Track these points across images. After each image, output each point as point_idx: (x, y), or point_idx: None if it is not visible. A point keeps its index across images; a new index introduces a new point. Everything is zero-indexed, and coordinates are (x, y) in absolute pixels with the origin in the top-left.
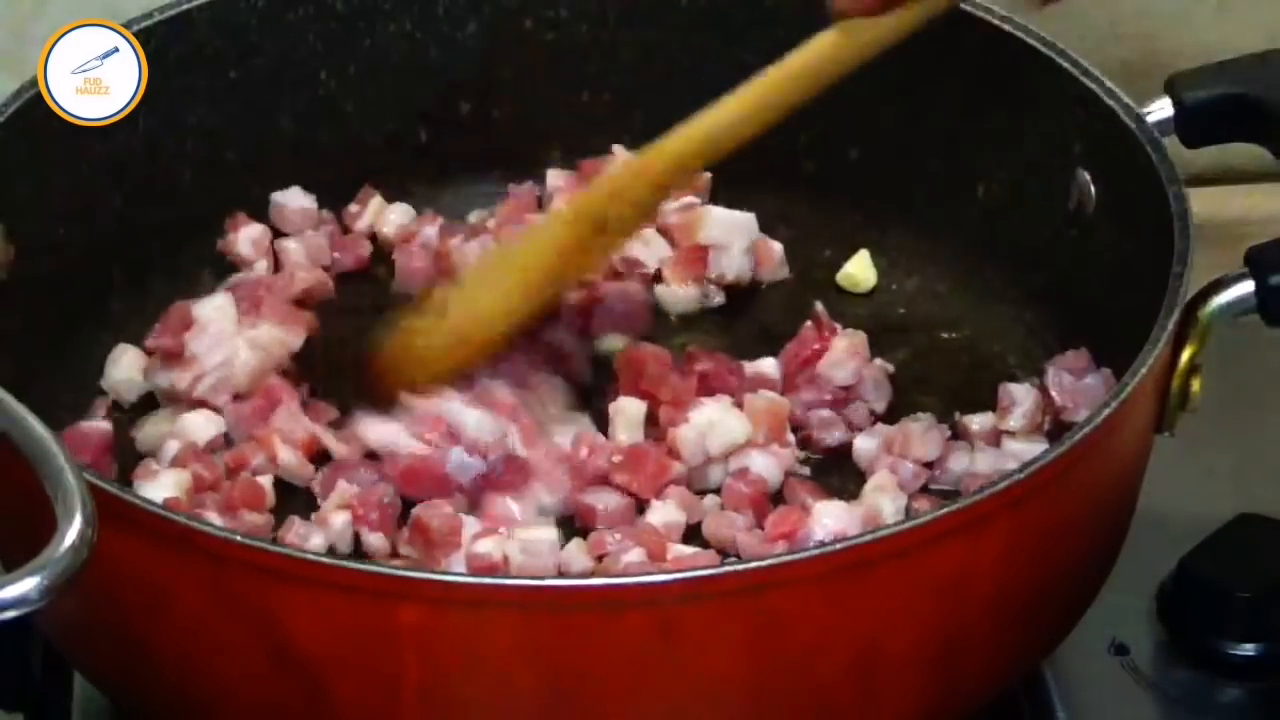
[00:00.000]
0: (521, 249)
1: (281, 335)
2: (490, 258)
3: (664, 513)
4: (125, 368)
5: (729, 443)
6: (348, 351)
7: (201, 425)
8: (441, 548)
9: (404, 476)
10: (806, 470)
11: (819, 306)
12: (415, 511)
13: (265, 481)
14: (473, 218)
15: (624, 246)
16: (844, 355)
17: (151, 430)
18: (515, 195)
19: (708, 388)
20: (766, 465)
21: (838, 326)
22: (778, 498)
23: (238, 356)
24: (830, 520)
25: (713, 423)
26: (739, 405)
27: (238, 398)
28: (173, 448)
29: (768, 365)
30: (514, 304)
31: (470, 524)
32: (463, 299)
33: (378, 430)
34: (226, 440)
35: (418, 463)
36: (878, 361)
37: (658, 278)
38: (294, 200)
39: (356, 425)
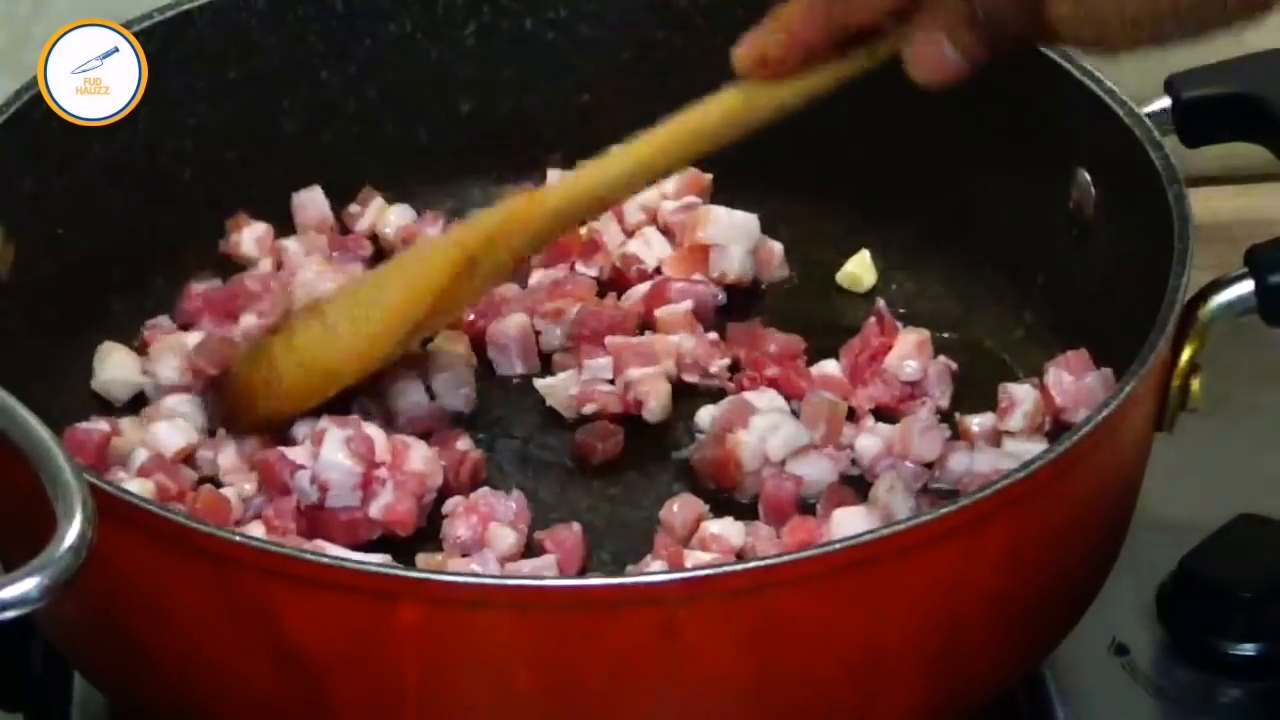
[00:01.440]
0: (387, 286)
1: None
2: (353, 289)
3: (724, 525)
4: (113, 367)
5: (790, 447)
6: None
7: (170, 435)
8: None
9: (260, 463)
10: (857, 470)
11: (881, 303)
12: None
13: (231, 494)
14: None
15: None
16: (911, 350)
17: (130, 437)
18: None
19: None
20: (822, 468)
21: (899, 324)
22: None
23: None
24: (848, 529)
25: (774, 426)
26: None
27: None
28: (140, 456)
29: (831, 367)
30: (377, 344)
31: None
32: (324, 331)
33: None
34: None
35: (275, 458)
36: (941, 358)
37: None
38: (315, 201)
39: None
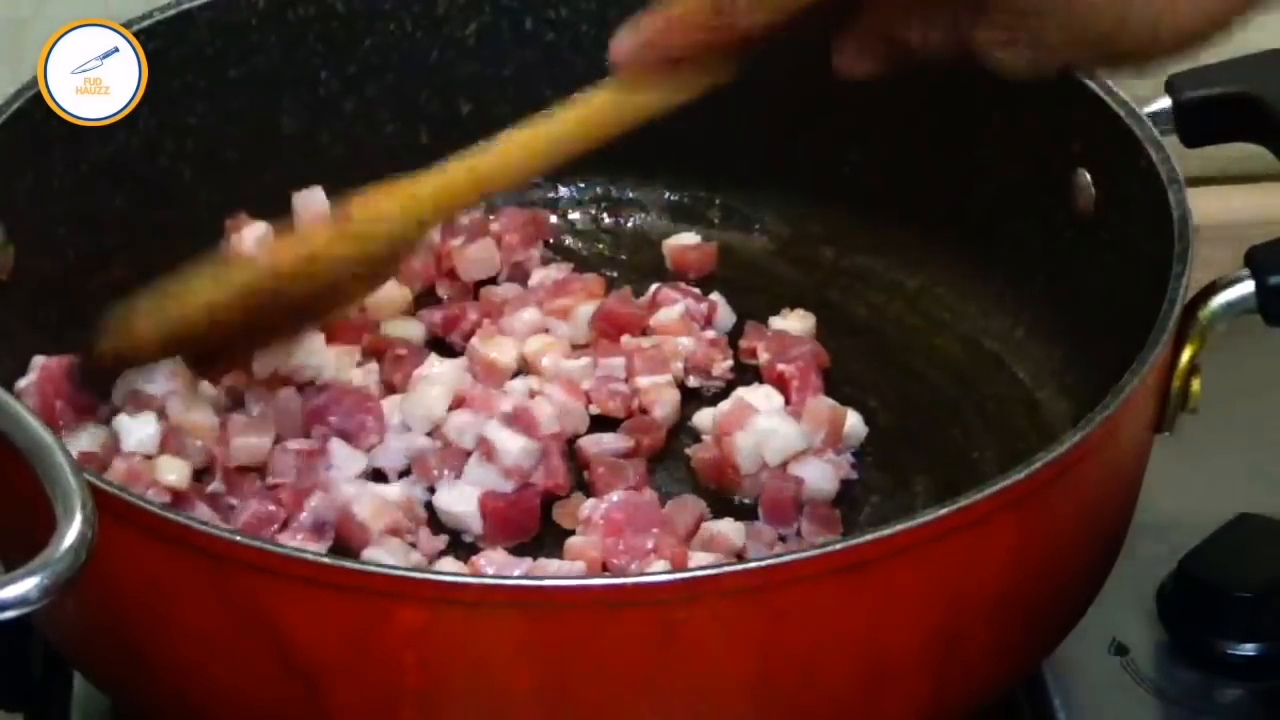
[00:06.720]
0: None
1: None
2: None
3: (725, 525)
4: None
5: (786, 451)
6: None
7: (134, 429)
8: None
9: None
10: (856, 475)
11: None
12: None
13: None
14: (464, 217)
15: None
16: None
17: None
18: (515, 197)
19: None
20: (823, 474)
21: None
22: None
23: None
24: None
25: (771, 431)
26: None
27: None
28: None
29: None
30: (243, 285)
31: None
32: (196, 287)
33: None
34: None
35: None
36: None
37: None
38: (316, 201)
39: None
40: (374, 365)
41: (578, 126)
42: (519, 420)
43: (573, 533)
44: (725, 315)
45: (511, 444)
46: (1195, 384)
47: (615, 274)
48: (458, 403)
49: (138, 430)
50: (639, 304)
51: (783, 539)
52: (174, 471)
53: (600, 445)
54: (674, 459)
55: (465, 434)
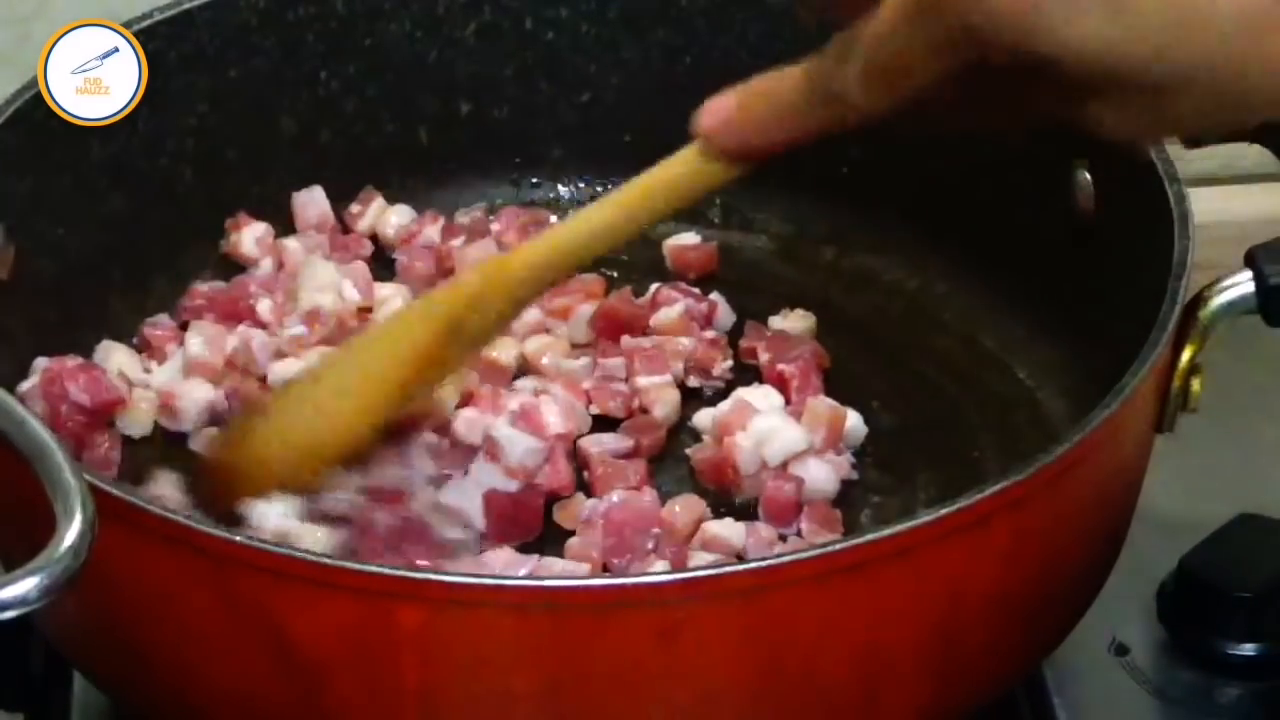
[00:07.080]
0: (371, 355)
1: None
2: (335, 361)
3: (724, 525)
4: (113, 367)
5: (786, 451)
6: None
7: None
8: None
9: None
10: (856, 475)
11: None
12: None
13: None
14: (464, 217)
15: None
16: None
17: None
18: (515, 196)
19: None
20: (823, 474)
21: None
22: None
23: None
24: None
25: (771, 431)
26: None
27: None
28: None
29: None
30: (365, 417)
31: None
32: (311, 408)
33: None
34: None
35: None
36: None
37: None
38: (316, 200)
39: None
40: None
41: (666, 191)
42: (525, 420)
43: (574, 533)
44: (725, 315)
45: (517, 443)
46: (1195, 384)
47: (615, 274)
48: (465, 400)
49: (273, 514)
50: (639, 304)
51: (783, 539)
52: (311, 537)
53: (600, 445)
54: (674, 459)
55: (473, 431)
